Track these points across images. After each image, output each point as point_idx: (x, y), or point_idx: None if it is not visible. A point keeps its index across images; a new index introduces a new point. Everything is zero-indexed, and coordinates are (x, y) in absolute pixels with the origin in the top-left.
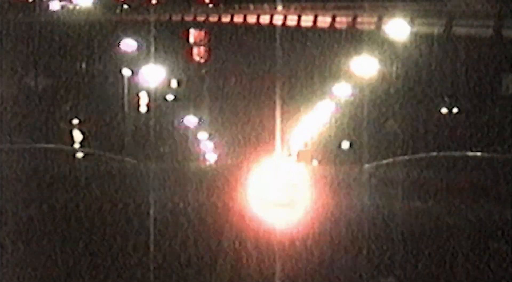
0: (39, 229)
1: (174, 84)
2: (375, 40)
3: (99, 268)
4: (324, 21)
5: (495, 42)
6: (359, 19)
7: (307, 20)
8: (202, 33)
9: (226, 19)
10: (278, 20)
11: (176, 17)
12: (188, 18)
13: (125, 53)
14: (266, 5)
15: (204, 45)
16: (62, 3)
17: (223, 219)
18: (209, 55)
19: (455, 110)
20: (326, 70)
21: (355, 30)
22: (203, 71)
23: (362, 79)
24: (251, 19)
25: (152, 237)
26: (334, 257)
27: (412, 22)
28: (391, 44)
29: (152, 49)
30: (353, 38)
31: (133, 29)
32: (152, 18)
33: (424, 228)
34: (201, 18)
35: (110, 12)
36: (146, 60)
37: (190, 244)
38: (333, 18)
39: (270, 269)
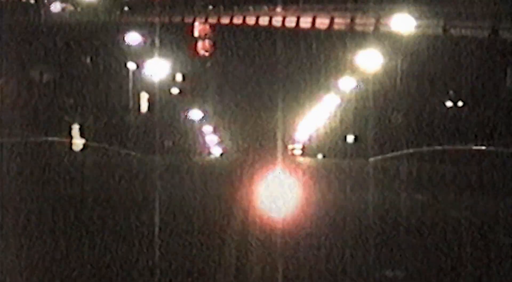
0: (45, 221)
1: (179, 77)
2: (374, 41)
3: (105, 258)
4: (322, 22)
5: (496, 41)
6: (357, 21)
7: (306, 22)
8: (207, 27)
9: (225, 20)
10: (277, 21)
11: (176, 19)
12: (188, 19)
13: (130, 46)
14: (265, 7)
15: (209, 39)
16: (63, 4)
17: (228, 211)
18: (214, 48)
19: (460, 103)
20: (330, 65)
21: (353, 31)
22: (208, 64)
23: (366, 74)
24: (250, 20)
25: (157, 228)
26: (340, 249)
27: (410, 22)
28: (390, 43)
29: (157, 42)
30: (352, 39)
31: (138, 24)
32: (152, 19)
33: (428, 221)
34: (201, 20)
35: (111, 14)
36: (151, 54)
37: (195, 235)
38: (332, 20)
39: (275, 262)
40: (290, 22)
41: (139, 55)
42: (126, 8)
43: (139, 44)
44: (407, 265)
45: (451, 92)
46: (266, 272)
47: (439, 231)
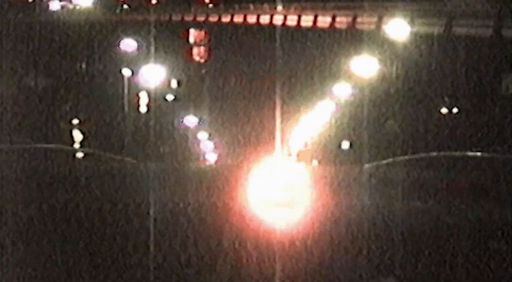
0: (39, 229)
1: (174, 84)
2: (375, 40)
3: (99, 268)
4: (324, 21)
5: (495, 42)
6: (359, 19)
7: (307, 20)
8: (202, 33)
9: (226, 19)
10: (278, 20)
11: (176, 17)
12: (188, 18)
13: (125, 53)
14: (266, 5)
15: (204, 45)
16: (62, 3)
17: (223, 219)
18: (209, 55)
19: (455, 110)
20: (326, 70)
21: (355, 30)
22: (203, 71)
23: (362, 79)
24: (251, 19)
25: (151, 237)
26: (334, 257)
27: (412, 22)
28: (391, 44)
29: (152, 49)
30: (353, 38)
31: (133, 29)
32: (152, 18)
33: (424, 228)
34: (201, 18)
35: (110, 12)
36: (146, 60)
37: (190, 244)
38: (333, 18)
39: (270, 269)
40: (291, 20)
41: (134, 61)
42: (125, 6)
43: (134, 50)
44: (402, 272)
45: (446, 98)
46: (263, 278)
47: (435, 238)
